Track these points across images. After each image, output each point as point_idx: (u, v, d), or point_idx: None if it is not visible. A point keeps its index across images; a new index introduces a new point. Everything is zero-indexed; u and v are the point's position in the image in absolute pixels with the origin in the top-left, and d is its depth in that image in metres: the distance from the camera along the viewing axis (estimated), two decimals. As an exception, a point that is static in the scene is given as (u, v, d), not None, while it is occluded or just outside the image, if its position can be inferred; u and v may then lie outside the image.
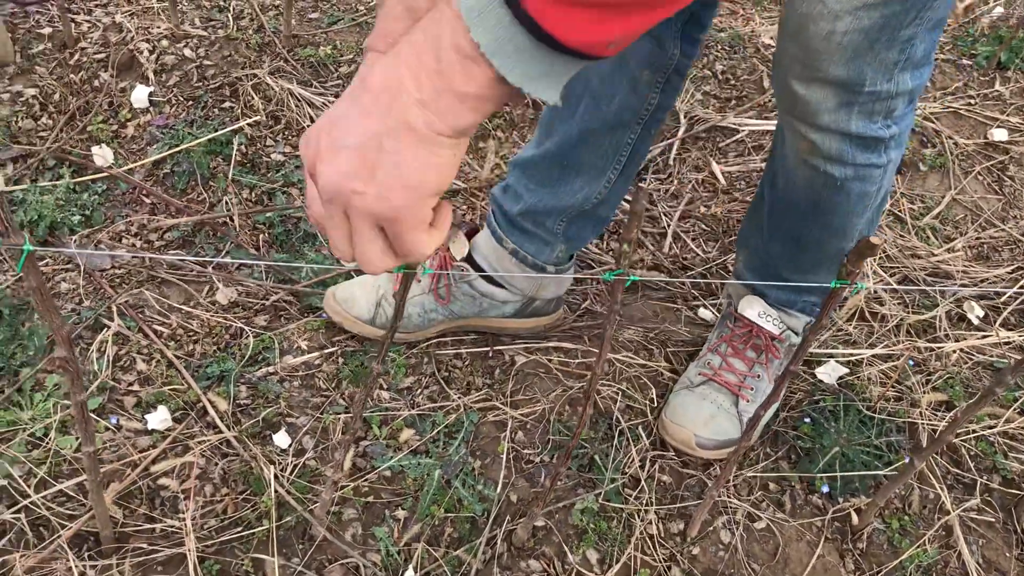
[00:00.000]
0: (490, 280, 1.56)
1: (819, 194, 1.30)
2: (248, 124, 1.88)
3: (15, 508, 1.26)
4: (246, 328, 1.55)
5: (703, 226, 1.92)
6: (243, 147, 1.85)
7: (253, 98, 1.93)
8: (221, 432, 1.39)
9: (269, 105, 1.93)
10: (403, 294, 0.98)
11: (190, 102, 1.91)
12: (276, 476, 1.33)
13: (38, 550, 1.21)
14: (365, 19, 2.24)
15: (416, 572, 1.28)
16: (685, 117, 2.10)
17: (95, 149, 1.82)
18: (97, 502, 1.19)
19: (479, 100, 0.62)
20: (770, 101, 2.20)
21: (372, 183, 0.65)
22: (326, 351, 1.54)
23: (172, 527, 1.28)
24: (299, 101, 1.95)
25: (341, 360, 1.53)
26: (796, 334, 1.52)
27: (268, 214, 1.77)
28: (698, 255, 1.85)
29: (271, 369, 1.50)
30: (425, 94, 0.62)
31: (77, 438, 1.35)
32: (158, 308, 1.58)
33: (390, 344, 1.04)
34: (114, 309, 1.55)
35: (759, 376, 1.50)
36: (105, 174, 1.79)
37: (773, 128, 2.12)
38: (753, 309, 1.51)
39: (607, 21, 0.57)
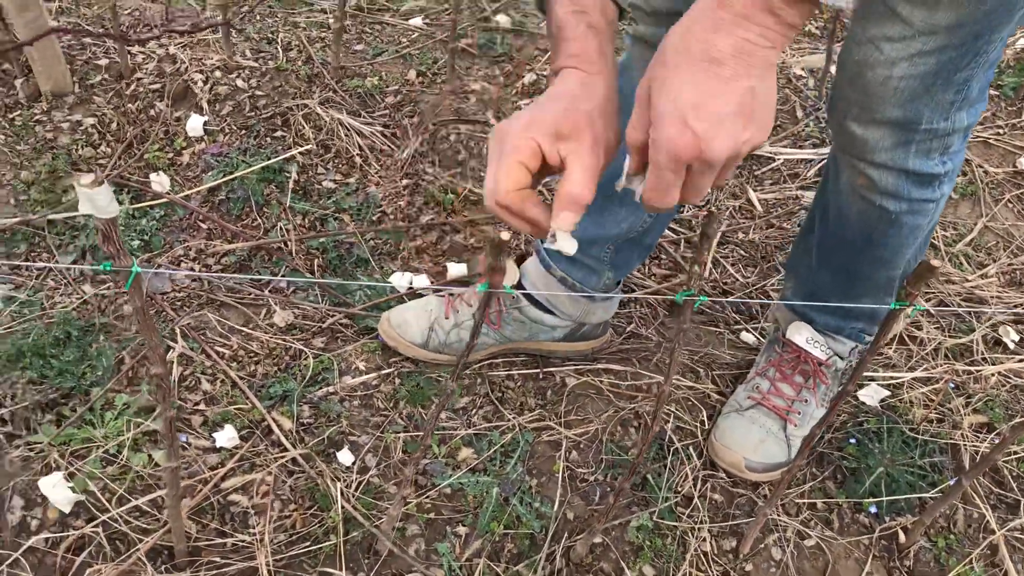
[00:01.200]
0: (540, 306, 1.61)
1: (873, 227, 1.34)
2: (300, 153, 1.94)
3: (94, 523, 1.30)
4: (305, 349, 1.60)
5: (741, 252, 1.96)
6: (296, 174, 1.91)
7: (304, 127, 1.99)
8: (287, 450, 1.43)
9: (319, 134, 1.99)
10: (482, 313, 1.03)
11: (243, 131, 1.98)
12: (342, 492, 1.37)
13: (119, 562, 1.26)
14: (408, 51, 2.30)
15: (478, 587, 1.32)
16: (722, 146, 2.15)
17: (153, 176, 1.88)
18: (174, 517, 1.23)
19: (798, 28, 0.79)
20: (803, 131, 2.26)
21: (752, 126, 0.79)
22: (383, 372, 1.59)
23: (243, 541, 1.32)
24: (348, 130, 2.01)
25: (398, 381, 1.58)
26: (842, 359, 1.56)
27: (321, 239, 1.83)
28: (738, 280, 1.90)
29: (331, 389, 1.55)
30: (775, 39, 0.78)
31: (149, 455, 1.40)
32: (219, 330, 1.63)
33: (465, 361, 1.08)
34: (177, 331, 1.60)
35: (807, 401, 1.54)
36: (163, 200, 1.84)
37: (807, 157, 2.17)
38: (802, 335, 1.55)
39: None
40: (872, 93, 1.15)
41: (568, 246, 0.90)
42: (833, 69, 2.34)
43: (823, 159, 2.16)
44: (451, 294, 1.65)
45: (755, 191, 2.08)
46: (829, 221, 1.43)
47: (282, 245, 1.81)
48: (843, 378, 1.57)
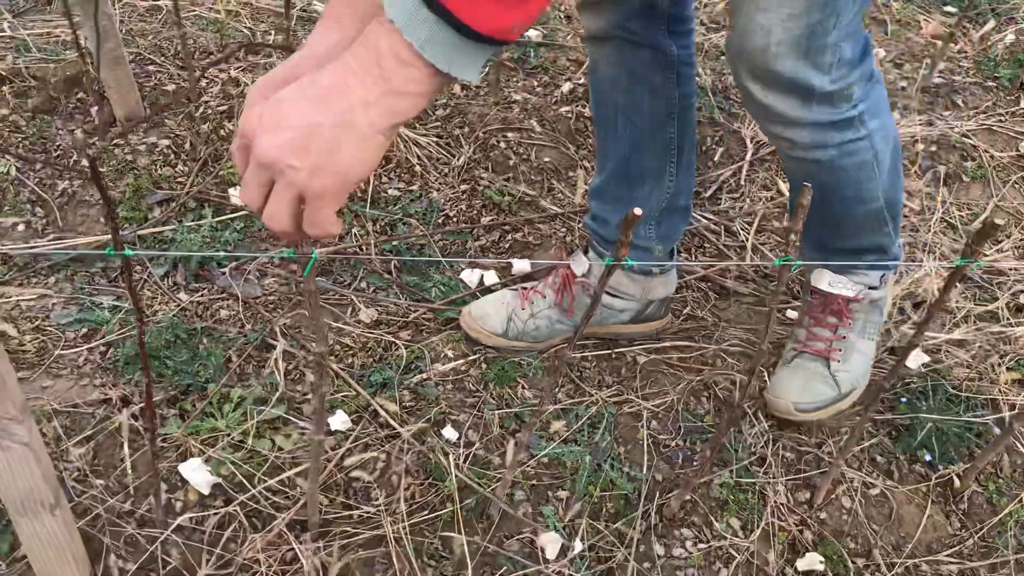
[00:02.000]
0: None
1: (816, 179, 1.43)
2: (364, 163, 2.08)
3: (234, 503, 1.42)
4: (396, 341, 1.74)
5: (777, 238, 2.12)
6: (363, 184, 2.05)
7: (365, 140, 2.12)
8: (396, 430, 1.56)
9: (380, 146, 2.13)
10: (603, 284, 1.16)
11: (308, 146, 2.11)
12: (457, 465, 1.51)
13: (264, 532, 1.38)
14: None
15: (583, 543, 1.45)
16: (751, 142, 2.32)
17: (231, 191, 2.01)
18: (313, 489, 1.36)
19: (417, 96, 0.77)
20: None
21: (307, 162, 0.76)
22: (470, 358, 1.72)
23: (368, 513, 1.45)
24: (406, 142, 2.15)
25: (484, 366, 1.71)
26: (874, 288, 1.66)
27: (394, 243, 1.96)
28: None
29: (425, 375, 1.68)
30: (371, 95, 0.75)
31: (272, 440, 1.53)
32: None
33: (581, 334, 1.22)
34: (277, 331, 1.73)
35: (845, 337, 1.67)
36: (243, 212, 1.97)
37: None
38: (823, 279, 1.66)
39: (509, 10, 0.73)
40: (757, 61, 1.30)
41: None
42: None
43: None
44: (524, 287, 1.79)
45: (784, 182, 2.23)
46: (792, 187, 1.62)
47: (358, 249, 1.94)
48: (882, 304, 1.69)
